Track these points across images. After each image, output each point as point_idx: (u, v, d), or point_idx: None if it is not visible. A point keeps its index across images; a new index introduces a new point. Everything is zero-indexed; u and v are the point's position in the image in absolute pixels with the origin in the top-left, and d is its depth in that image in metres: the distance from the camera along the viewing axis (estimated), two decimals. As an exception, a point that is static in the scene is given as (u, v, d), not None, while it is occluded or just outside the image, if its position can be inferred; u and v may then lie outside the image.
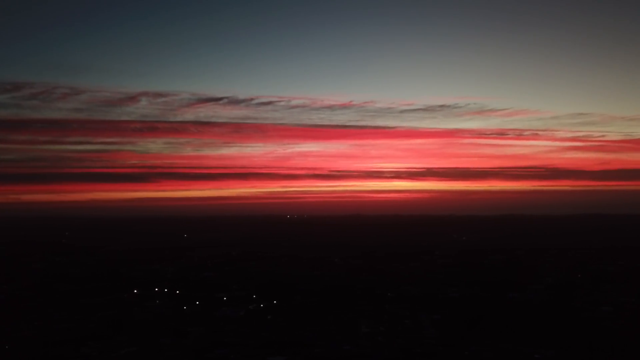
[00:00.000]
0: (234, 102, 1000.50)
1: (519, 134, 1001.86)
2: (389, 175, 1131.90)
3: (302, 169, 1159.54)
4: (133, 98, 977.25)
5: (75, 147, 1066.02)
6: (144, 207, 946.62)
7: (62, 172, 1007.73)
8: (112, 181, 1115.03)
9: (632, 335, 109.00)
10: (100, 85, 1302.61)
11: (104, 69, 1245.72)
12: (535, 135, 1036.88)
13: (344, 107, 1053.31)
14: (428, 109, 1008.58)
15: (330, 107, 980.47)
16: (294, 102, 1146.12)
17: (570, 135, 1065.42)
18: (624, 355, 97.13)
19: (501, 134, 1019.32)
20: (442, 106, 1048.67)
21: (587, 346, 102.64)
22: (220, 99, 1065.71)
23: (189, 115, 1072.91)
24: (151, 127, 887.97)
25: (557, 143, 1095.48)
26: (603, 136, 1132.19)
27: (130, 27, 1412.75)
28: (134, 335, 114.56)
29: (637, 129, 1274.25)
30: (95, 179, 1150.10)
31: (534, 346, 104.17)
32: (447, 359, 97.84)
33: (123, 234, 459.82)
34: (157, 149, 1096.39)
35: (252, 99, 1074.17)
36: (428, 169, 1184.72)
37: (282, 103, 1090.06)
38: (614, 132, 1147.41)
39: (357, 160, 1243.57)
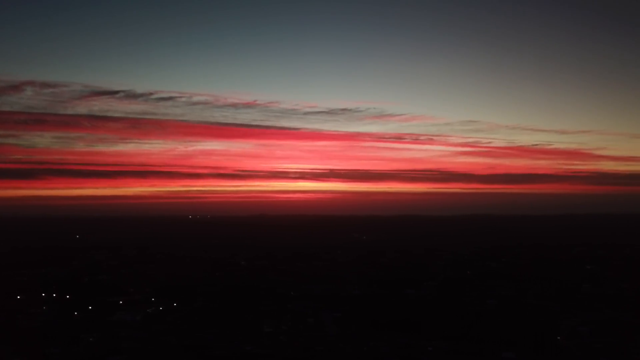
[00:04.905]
0: (132, 96, 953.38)
1: (416, 139, 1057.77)
2: (293, 176, 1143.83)
3: (205, 167, 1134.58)
4: (16, 87, 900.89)
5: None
6: (30, 206, 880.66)
7: None
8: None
9: (515, 326, 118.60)
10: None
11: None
12: (430, 140, 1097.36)
13: (248, 106, 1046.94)
14: (331, 112, 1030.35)
15: (234, 106, 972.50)
16: (195, 99, 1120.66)
17: (461, 141, 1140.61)
18: (509, 344, 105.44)
19: (399, 138, 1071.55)
20: (344, 110, 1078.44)
21: (475, 337, 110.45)
22: (117, 92, 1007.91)
23: (82, 108, 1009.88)
24: (38, 120, 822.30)
25: (450, 148, 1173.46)
26: (490, 142, 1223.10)
27: (14, 8, 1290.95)
28: (18, 345, 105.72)
29: (518, 137, 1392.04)
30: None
31: (428, 339, 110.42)
32: (346, 355, 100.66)
33: (6, 235, 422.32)
34: (45, 143, 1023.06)
35: (151, 94, 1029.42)
36: (331, 170, 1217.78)
37: (184, 99, 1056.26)
38: (499, 139, 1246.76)
39: (262, 160, 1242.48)
